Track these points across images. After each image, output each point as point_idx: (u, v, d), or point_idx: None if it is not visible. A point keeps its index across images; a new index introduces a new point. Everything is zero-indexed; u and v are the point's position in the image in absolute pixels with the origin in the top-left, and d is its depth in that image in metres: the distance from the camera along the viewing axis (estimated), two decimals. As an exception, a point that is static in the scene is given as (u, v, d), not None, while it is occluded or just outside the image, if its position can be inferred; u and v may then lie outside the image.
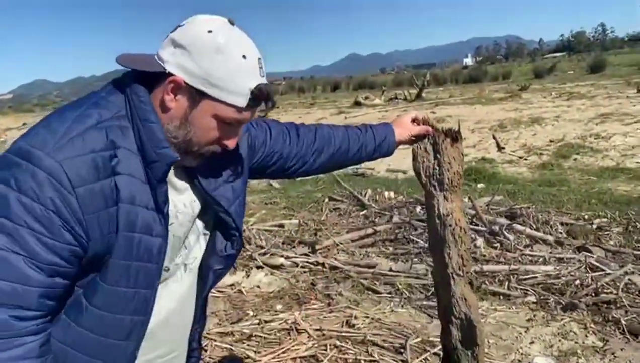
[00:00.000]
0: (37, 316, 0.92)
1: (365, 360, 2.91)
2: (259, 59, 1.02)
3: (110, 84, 1.04)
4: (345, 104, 21.26)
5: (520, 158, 8.66)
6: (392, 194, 6.60)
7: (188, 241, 1.16)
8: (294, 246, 4.92)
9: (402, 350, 2.98)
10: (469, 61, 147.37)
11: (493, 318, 3.40)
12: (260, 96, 1.02)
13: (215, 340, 3.23)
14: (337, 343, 3.11)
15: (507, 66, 49.59)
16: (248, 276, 4.27)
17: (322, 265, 4.41)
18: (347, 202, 6.49)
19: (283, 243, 5.05)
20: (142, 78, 1.01)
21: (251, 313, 3.64)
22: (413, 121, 1.57)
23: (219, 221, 1.19)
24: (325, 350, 3.03)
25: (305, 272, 4.34)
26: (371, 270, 4.20)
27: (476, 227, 4.90)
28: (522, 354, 2.96)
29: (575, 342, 3.03)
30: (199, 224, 1.19)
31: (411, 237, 4.81)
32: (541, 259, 4.16)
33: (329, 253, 4.71)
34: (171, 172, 1.05)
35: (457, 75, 42.11)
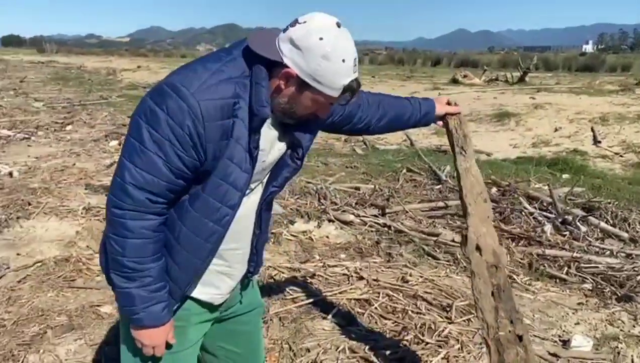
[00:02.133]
0: (161, 203, 1.32)
1: (412, 311, 3.21)
2: (354, 59, 1.31)
3: (239, 49, 1.36)
4: (442, 80, 20.84)
5: (616, 153, 8.23)
6: (471, 173, 6.65)
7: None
8: (366, 207, 5.24)
9: (448, 309, 3.24)
10: (588, 47, 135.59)
11: (544, 297, 3.54)
12: (350, 90, 1.33)
13: (283, 273, 3.68)
14: (390, 293, 3.43)
15: (629, 58, 45.19)
16: (319, 226, 4.67)
17: (389, 227, 4.70)
18: (425, 175, 6.65)
19: (356, 203, 5.39)
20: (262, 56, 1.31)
21: (317, 257, 4.04)
22: (448, 103, 2.00)
23: (293, 152, 1.53)
24: (378, 297, 3.37)
25: (372, 231, 4.66)
26: (434, 238, 4.43)
27: (549, 214, 4.92)
28: (564, 331, 3.11)
29: (621, 330, 3.11)
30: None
31: (480, 214, 4.94)
32: (608, 252, 4.15)
33: (397, 217, 4.99)
34: (276, 125, 1.42)
35: (571, 61, 39.23)
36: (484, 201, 1.91)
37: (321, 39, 1.24)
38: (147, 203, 1.30)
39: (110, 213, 1.31)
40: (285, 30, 1.30)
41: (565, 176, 6.78)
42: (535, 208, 5.14)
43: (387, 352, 2.77)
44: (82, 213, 4.82)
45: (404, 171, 6.84)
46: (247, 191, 1.44)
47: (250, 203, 1.50)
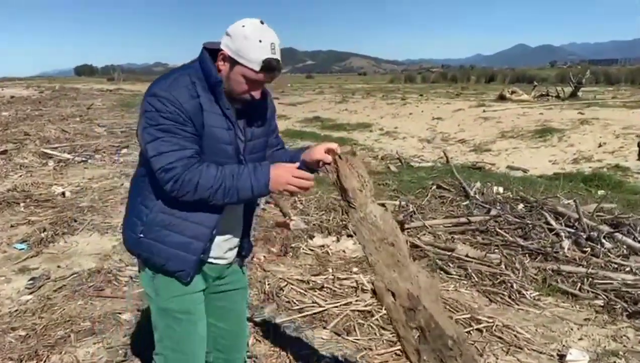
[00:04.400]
0: (196, 158, 1.69)
1: (412, 323, 3.29)
2: (271, 43, 1.64)
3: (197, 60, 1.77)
4: (491, 97, 20.52)
5: (662, 169, 7.86)
6: (501, 189, 6.61)
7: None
8: (387, 223, 5.33)
9: (448, 321, 3.29)
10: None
11: (551, 312, 3.52)
12: (268, 66, 1.65)
13: (293, 285, 3.86)
14: (393, 305, 3.53)
15: None
16: (338, 241, 4.83)
17: (406, 242, 4.78)
18: (454, 192, 6.67)
19: (378, 219, 5.49)
20: (212, 53, 1.73)
21: (330, 270, 4.20)
22: (327, 151, 1.87)
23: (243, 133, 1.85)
24: (381, 309, 3.47)
25: (389, 246, 4.76)
26: (448, 253, 4.47)
27: (573, 230, 4.84)
28: (564, 346, 3.09)
29: (624, 345, 3.06)
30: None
31: (499, 230, 4.93)
32: (628, 269, 4.05)
33: (417, 233, 5.06)
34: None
35: (635, 75, 37.44)
36: (390, 244, 1.80)
37: (243, 26, 1.65)
38: (193, 161, 1.68)
39: (176, 187, 1.66)
40: None
41: (600, 192, 6.59)
42: (560, 224, 5.06)
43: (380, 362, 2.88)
44: (120, 229, 5.21)
45: (433, 187, 6.88)
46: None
47: None
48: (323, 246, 4.72)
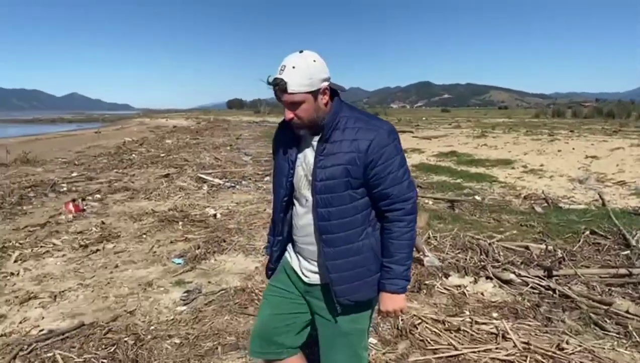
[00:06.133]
0: None
1: (561, 381, 2.99)
2: (281, 65, 1.73)
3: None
4: (657, 134, 18.23)
5: None
6: (671, 239, 5.78)
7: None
8: (531, 268, 4.97)
9: (605, 385, 2.94)
10: None
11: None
12: (270, 83, 1.74)
13: (427, 323, 3.75)
14: (539, 358, 3.25)
15: None
16: (476, 282, 4.60)
17: (554, 290, 4.39)
18: (612, 239, 5.99)
19: (521, 262, 5.14)
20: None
21: (467, 312, 4.00)
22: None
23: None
24: (525, 360, 3.22)
25: (533, 293, 4.42)
26: (605, 307, 4.01)
27: None
28: None
29: None
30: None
31: (670, 286, 4.30)
32: None
33: (566, 281, 4.62)
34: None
35: None
36: None
37: None
38: None
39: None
40: None
41: None
42: None
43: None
44: (262, 252, 5.56)
45: (587, 232, 6.26)
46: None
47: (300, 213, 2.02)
48: (459, 286, 4.53)
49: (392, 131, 1.84)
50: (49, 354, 3.32)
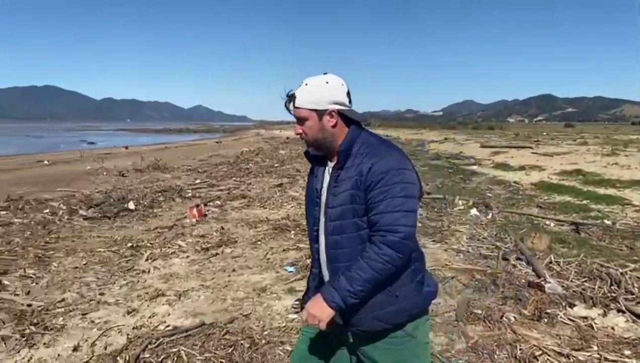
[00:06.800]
0: None
1: None
2: (304, 83, 1.81)
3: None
4: None
5: None
6: None
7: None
8: (673, 304, 4.42)
9: None
10: None
11: None
12: (287, 95, 1.83)
13: (549, 356, 3.49)
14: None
15: None
16: (605, 315, 4.19)
17: (702, 332, 3.87)
18: None
19: (661, 297, 4.59)
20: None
21: (595, 348, 3.66)
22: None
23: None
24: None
25: (675, 332, 3.92)
26: None
27: None
28: None
29: None
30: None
31: None
32: None
33: None
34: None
35: None
36: None
37: None
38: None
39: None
40: None
41: None
42: None
43: None
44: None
45: None
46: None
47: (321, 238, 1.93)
48: (586, 317, 4.16)
49: (400, 159, 1.76)
50: (174, 349, 3.60)
